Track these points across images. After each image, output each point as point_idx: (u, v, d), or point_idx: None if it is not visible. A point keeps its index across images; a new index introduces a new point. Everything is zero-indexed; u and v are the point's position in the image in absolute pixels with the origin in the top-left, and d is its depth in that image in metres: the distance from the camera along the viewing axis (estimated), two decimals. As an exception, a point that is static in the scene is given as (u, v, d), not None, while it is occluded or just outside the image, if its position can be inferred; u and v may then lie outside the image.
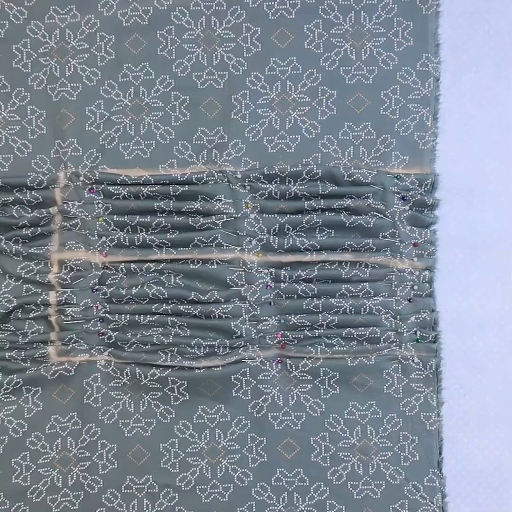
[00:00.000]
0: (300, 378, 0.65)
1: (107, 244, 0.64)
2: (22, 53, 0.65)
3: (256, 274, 0.64)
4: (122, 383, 0.65)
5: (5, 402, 0.65)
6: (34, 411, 0.65)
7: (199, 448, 0.65)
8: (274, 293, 0.65)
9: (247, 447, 0.65)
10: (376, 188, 0.63)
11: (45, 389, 0.65)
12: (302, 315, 0.64)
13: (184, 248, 0.64)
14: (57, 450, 0.65)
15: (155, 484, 0.65)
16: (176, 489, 0.65)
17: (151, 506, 0.65)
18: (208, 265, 0.64)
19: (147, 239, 0.63)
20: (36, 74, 0.65)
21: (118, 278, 0.65)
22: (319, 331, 0.64)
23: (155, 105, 0.65)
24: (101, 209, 0.64)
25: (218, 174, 0.64)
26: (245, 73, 0.65)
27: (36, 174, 0.64)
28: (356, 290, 0.64)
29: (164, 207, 0.63)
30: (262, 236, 0.64)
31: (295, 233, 0.64)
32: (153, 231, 0.64)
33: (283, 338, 0.64)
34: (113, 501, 0.65)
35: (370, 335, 0.64)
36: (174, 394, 0.65)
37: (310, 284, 0.64)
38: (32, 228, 0.64)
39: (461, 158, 0.66)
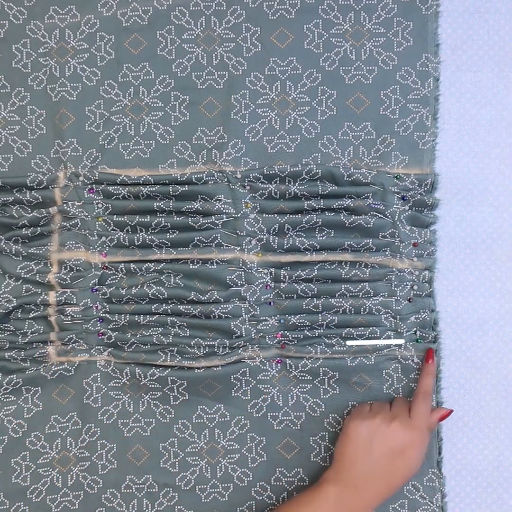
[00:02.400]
0: (300, 378, 0.65)
1: (106, 244, 0.64)
2: (22, 53, 0.65)
3: (255, 274, 0.64)
4: (121, 383, 0.65)
5: (5, 402, 0.65)
6: (34, 411, 0.65)
7: (198, 448, 0.65)
8: (274, 293, 0.65)
9: (246, 447, 0.65)
10: (376, 188, 0.63)
11: (44, 389, 0.65)
12: (302, 315, 0.64)
13: (184, 248, 0.64)
14: (57, 450, 0.65)
15: (154, 484, 0.65)
16: (176, 488, 0.65)
17: (151, 505, 0.65)
18: (208, 265, 0.64)
19: (147, 239, 0.63)
20: (36, 74, 0.65)
21: (118, 278, 0.65)
22: (319, 331, 0.64)
23: (155, 105, 0.65)
24: (101, 209, 0.64)
25: (218, 174, 0.64)
26: (245, 73, 0.65)
27: (36, 174, 0.64)
28: (356, 290, 0.64)
29: (164, 207, 0.63)
30: (262, 236, 0.64)
31: (295, 233, 0.64)
32: (152, 231, 0.64)
33: (283, 338, 0.64)
34: (113, 501, 0.65)
35: (370, 335, 0.64)
36: (173, 394, 0.65)
37: (310, 284, 0.64)
38: (32, 228, 0.64)
39: (461, 158, 0.66)
